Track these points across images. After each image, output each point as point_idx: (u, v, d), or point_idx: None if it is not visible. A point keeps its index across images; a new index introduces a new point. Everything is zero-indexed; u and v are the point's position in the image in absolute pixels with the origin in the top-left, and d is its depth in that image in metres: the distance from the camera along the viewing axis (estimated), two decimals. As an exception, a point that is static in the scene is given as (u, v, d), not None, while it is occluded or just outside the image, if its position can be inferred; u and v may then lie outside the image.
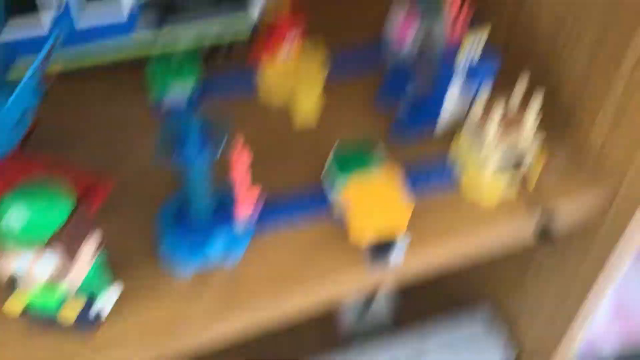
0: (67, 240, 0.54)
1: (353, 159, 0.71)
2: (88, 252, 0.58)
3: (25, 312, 0.61)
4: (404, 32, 0.84)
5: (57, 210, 0.54)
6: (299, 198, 0.74)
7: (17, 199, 0.52)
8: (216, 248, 0.68)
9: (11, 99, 0.62)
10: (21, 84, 0.62)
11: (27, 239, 0.53)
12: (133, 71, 0.85)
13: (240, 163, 0.63)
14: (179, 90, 0.84)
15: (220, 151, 0.63)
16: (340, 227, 0.71)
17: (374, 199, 0.67)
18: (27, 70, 0.62)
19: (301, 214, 0.73)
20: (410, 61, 0.84)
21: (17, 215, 0.52)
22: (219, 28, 0.87)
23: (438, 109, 0.80)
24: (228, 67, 0.90)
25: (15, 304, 0.60)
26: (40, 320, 0.61)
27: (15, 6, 0.74)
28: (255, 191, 0.66)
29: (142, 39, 0.83)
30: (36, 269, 0.56)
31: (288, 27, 0.85)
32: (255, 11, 0.86)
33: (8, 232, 0.53)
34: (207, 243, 0.68)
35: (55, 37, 0.63)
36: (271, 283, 0.67)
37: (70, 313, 0.60)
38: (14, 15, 0.74)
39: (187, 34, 0.85)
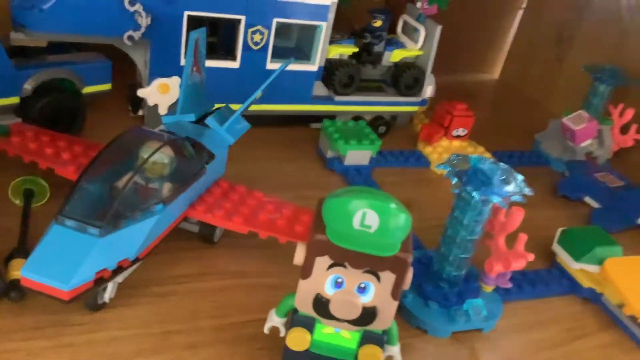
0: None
1: (584, 242, 0.67)
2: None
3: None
4: (583, 134, 0.86)
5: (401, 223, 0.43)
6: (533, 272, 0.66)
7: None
8: (476, 312, 0.57)
9: (227, 123, 0.62)
10: (236, 113, 0.63)
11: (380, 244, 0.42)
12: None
13: (513, 221, 0.56)
14: (358, 155, 0.79)
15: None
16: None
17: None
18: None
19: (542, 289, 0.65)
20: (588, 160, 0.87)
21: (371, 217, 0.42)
22: (394, 105, 0.90)
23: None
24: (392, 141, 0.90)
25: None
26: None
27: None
28: (524, 256, 0.58)
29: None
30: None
31: (458, 117, 0.87)
32: (427, 95, 0.92)
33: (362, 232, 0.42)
34: (463, 307, 0.57)
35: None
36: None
37: None
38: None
39: (367, 106, 0.88)
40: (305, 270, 0.44)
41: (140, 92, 0.73)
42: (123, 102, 0.81)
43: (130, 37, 0.68)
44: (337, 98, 0.85)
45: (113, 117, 0.78)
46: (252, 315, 0.53)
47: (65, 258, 0.44)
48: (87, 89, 0.72)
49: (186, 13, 0.70)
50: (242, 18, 0.73)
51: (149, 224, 0.49)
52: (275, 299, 0.50)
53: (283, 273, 0.58)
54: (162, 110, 0.75)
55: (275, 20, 0.75)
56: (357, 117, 0.88)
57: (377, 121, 0.89)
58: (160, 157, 0.52)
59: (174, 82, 0.73)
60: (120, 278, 0.49)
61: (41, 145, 0.60)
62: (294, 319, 0.47)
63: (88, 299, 0.49)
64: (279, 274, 0.59)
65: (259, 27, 0.75)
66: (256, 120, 0.68)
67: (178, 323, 0.52)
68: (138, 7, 0.66)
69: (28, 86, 0.67)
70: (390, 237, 0.43)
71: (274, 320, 0.49)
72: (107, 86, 0.75)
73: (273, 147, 0.82)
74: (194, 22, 0.71)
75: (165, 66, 0.72)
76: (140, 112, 0.78)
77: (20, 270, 0.43)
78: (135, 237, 0.48)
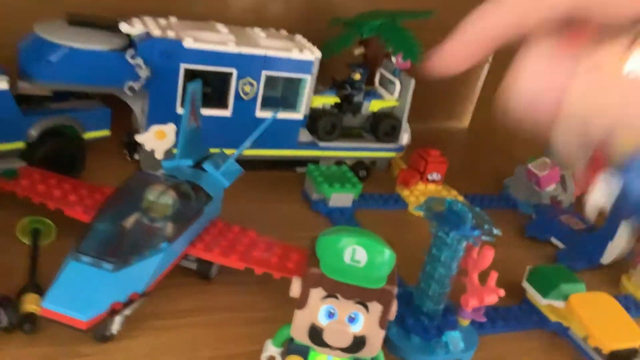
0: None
1: (551, 280, 0.73)
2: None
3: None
4: (547, 179, 0.93)
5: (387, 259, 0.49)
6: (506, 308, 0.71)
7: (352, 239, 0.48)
8: (454, 344, 0.62)
9: (225, 165, 0.68)
10: (231, 158, 0.69)
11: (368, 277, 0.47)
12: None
13: (485, 259, 0.62)
14: (341, 197, 0.84)
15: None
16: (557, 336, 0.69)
17: (605, 313, 0.68)
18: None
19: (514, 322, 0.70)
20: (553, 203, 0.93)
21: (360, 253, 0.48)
22: (373, 151, 0.97)
23: (603, 245, 0.84)
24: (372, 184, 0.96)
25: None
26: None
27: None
28: (495, 292, 0.64)
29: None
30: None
31: (432, 162, 0.94)
32: (403, 142, 0.99)
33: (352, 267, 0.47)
34: (442, 339, 0.62)
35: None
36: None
37: None
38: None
39: (349, 151, 0.95)
40: (301, 301, 0.49)
41: (138, 138, 0.78)
42: (119, 146, 0.85)
43: (131, 88, 0.73)
44: (321, 144, 0.91)
45: (110, 160, 0.83)
46: (248, 346, 0.57)
47: (82, 291, 0.48)
48: (88, 135, 0.77)
49: (183, 66, 0.76)
50: (234, 71, 0.79)
51: (156, 260, 0.53)
52: (269, 331, 0.54)
53: (275, 307, 0.62)
54: (159, 155, 0.79)
55: (264, 73, 0.81)
56: (339, 162, 0.93)
57: (358, 166, 0.95)
58: (165, 198, 0.56)
59: (170, 129, 0.78)
60: (128, 311, 0.53)
61: (49, 188, 0.65)
62: (290, 348, 0.51)
63: (96, 331, 0.52)
64: (272, 309, 0.63)
65: (249, 79, 0.81)
66: (246, 164, 0.73)
67: (179, 354, 0.55)
68: (139, 60, 0.72)
69: (34, 132, 0.71)
70: (377, 271, 0.48)
71: (271, 350, 0.53)
72: (106, 132, 0.79)
73: (262, 189, 0.87)
74: (189, 74, 0.77)
75: (162, 114, 0.77)
76: (136, 157, 0.83)
77: (41, 302, 0.47)
78: (144, 272, 0.52)
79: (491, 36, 0.28)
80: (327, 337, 0.49)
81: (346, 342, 0.49)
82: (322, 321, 0.49)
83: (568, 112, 0.27)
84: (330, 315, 0.49)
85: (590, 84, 0.27)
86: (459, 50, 0.29)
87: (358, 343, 0.49)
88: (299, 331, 0.50)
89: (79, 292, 0.48)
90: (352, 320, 0.49)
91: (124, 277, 0.50)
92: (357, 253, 0.48)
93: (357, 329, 0.49)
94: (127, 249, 0.51)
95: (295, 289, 0.49)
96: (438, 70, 0.29)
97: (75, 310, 0.46)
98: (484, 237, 0.60)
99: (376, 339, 0.50)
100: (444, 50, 0.29)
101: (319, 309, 0.49)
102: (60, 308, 0.47)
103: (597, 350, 0.67)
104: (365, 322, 0.49)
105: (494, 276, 0.62)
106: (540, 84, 0.30)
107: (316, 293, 0.48)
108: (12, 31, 0.74)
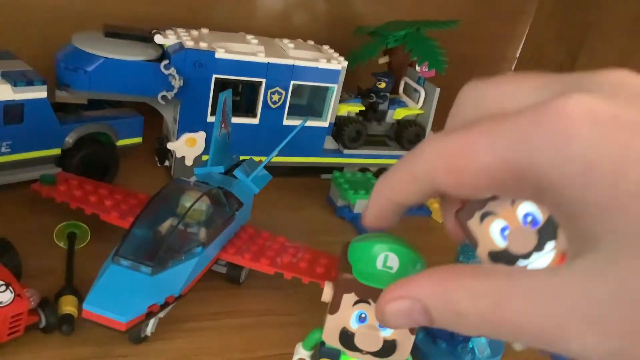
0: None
1: None
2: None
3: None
4: None
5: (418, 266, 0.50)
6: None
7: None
8: (480, 350, 0.62)
9: (252, 174, 0.69)
10: (261, 166, 0.71)
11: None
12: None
13: None
14: (366, 204, 0.85)
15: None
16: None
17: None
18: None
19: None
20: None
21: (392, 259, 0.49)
22: (397, 159, 0.95)
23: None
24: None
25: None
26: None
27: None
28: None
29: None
30: None
31: None
32: None
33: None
34: (469, 345, 0.63)
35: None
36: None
37: None
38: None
39: (373, 159, 0.96)
40: (333, 306, 0.50)
41: (170, 145, 0.80)
42: (150, 153, 0.88)
43: (164, 97, 0.75)
44: (346, 151, 0.92)
45: (141, 167, 0.85)
46: (278, 349, 0.59)
47: (121, 294, 0.49)
48: (121, 142, 0.79)
49: (214, 76, 0.78)
50: (263, 81, 0.81)
51: (191, 264, 0.55)
52: (298, 335, 0.55)
53: (303, 312, 0.63)
54: (189, 162, 0.81)
55: (292, 83, 0.83)
56: (363, 169, 0.95)
57: (381, 173, 0.96)
58: (199, 205, 0.58)
59: (200, 137, 0.81)
60: (162, 313, 0.55)
61: (85, 193, 0.67)
62: (321, 351, 0.52)
63: (131, 333, 0.54)
64: (300, 313, 0.64)
65: (277, 88, 0.83)
66: (272, 170, 0.75)
67: (212, 356, 0.57)
68: (172, 70, 0.74)
69: (70, 139, 0.73)
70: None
71: (302, 353, 0.54)
72: (138, 139, 0.81)
73: (287, 195, 0.88)
74: (220, 84, 0.79)
75: (193, 122, 0.79)
76: (166, 163, 0.85)
77: (83, 304, 0.49)
78: (180, 275, 0.54)
79: (386, 208, 0.34)
80: (358, 342, 0.50)
81: (377, 346, 0.50)
82: (353, 325, 0.50)
83: None
84: (362, 319, 0.50)
85: None
86: (373, 219, 0.35)
87: (388, 347, 0.50)
88: (330, 335, 0.51)
89: (119, 294, 0.49)
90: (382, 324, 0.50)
91: (161, 281, 0.52)
92: (389, 259, 0.49)
93: (387, 333, 0.50)
94: (163, 253, 0.53)
95: (327, 294, 0.50)
96: (368, 227, 0.36)
97: (115, 312, 0.48)
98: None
99: (406, 343, 0.51)
100: (363, 218, 0.36)
101: (351, 314, 0.50)
102: (101, 310, 0.48)
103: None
104: (395, 327, 0.50)
105: None
106: None
107: (348, 298, 0.49)
108: (50, 42, 0.77)
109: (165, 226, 0.56)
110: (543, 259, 0.31)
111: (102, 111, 0.78)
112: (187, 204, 0.57)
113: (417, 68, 0.96)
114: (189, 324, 0.60)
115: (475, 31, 1.17)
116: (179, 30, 0.81)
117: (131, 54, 0.74)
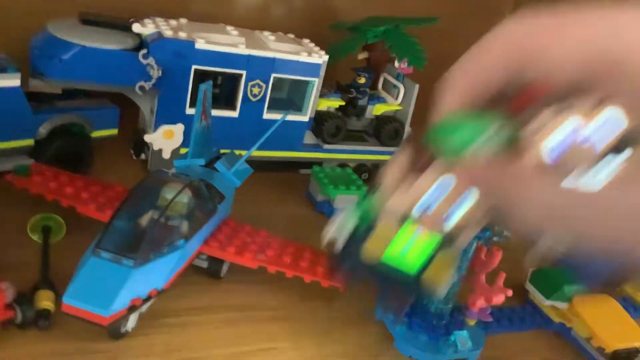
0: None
1: (554, 282, 0.74)
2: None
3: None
4: None
5: None
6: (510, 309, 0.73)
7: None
8: (462, 343, 0.63)
9: (234, 167, 0.69)
10: (242, 159, 0.70)
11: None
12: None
13: (493, 260, 0.63)
14: (346, 199, 0.85)
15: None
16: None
17: (607, 314, 0.70)
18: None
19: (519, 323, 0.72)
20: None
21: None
22: (376, 154, 0.97)
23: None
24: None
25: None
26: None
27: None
28: (504, 292, 0.65)
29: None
30: None
31: None
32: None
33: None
34: (450, 338, 0.63)
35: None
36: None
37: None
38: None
39: (352, 154, 0.95)
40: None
41: (147, 137, 0.78)
42: (125, 145, 0.85)
43: (141, 87, 0.73)
44: (325, 146, 0.92)
45: (116, 159, 0.83)
46: (261, 344, 0.58)
47: (103, 287, 0.48)
48: (96, 133, 0.77)
49: (194, 67, 0.76)
50: (244, 73, 0.80)
51: (174, 257, 0.54)
52: (281, 330, 0.55)
53: (284, 306, 0.63)
54: (166, 155, 0.80)
55: (273, 76, 0.82)
56: (342, 165, 0.94)
57: (360, 168, 0.96)
58: (182, 197, 0.57)
59: (178, 129, 0.79)
60: (144, 308, 0.53)
61: (61, 185, 0.65)
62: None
63: (111, 328, 0.52)
64: (281, 307, 0.63)
65: (257, 81, 0.82)
66: (251, 164, 0.74)
67: (193, 352, 0.56)
68: (151, 60, 0.72)
69: (43, 130, 0.71)
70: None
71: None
72: (114, 131, 0.79)
73: (266, 190, 0.87)
74: (199, 75, 0.77)
75: (171, 114, 0.77)
76: (142, 156, 0.83)
77: (62, 298, 0.47)
78: (163, 269, 0.52)
79: (470, 88, 0.30)
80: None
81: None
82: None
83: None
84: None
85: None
86: (457, 98, 0.30)
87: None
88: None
89: (100, 287, 0.48)
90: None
91: (143, 274, 0.50)
92: None
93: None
94: (146, 246, 0.51)
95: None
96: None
97: (97, 305, 0.47)
98: (494, 238, 0.61)
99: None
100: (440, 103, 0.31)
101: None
102: (82, 303, 0.47)
103: (600, 349, 0.68)
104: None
105: (502, 276, 0.63)
106: None
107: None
108: (24, 28, 0.74)
109: (146, 218, 0.54)
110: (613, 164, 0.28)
111: (77, 101, 0.76)
112: (169, 196, 0.56)
113: (397, 64, 0.96)
114: (170, 319, 0.58)
115: (454, 28, 1.17)
116: (158, 19, 0.79)
117: (108, 42, 0.72)
